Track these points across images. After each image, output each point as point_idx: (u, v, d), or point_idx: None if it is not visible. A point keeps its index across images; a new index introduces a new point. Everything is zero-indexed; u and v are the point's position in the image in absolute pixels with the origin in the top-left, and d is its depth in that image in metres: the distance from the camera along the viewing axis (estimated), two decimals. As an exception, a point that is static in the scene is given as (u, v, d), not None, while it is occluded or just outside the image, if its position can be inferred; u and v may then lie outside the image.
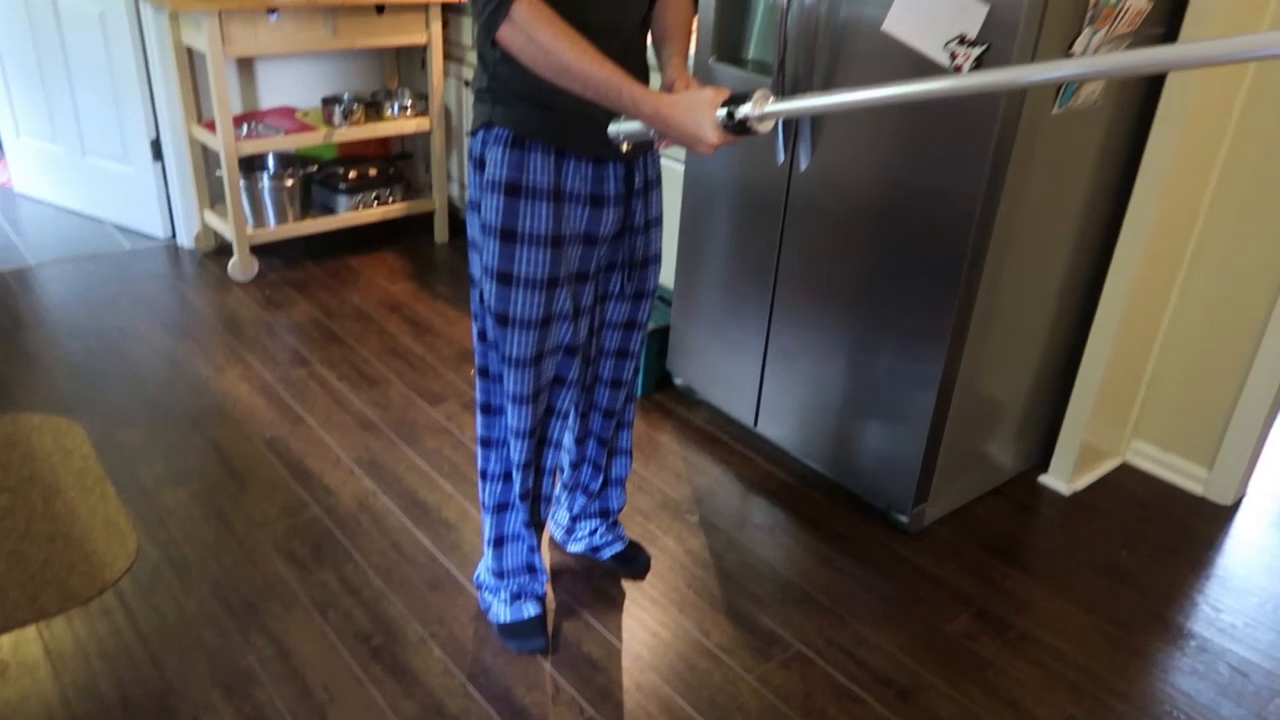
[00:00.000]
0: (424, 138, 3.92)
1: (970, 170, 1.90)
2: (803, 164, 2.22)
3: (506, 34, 1.37)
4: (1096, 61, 1.09)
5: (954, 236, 1.97)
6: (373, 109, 3.64)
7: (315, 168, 3.73)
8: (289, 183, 3.50)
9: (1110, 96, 2.06)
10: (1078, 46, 1.89)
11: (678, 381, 2.89)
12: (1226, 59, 0.95)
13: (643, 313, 1.85)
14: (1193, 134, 2.16)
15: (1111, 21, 1.91)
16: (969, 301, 2.03)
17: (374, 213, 3.70)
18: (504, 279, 1.59)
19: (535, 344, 1.65)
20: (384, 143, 4.04)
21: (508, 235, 1.56)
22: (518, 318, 1.62)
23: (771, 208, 2.34)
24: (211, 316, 3.18)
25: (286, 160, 3.67)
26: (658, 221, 1.78)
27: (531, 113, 1.50)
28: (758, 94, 1.35)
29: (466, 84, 3.69)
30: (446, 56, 3.70)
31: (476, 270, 1.66)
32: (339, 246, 3.79)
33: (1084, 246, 2.27)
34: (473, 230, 1.65)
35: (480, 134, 1.57)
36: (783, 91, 2.18)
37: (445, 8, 3.58)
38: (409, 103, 3.66)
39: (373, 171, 3.75)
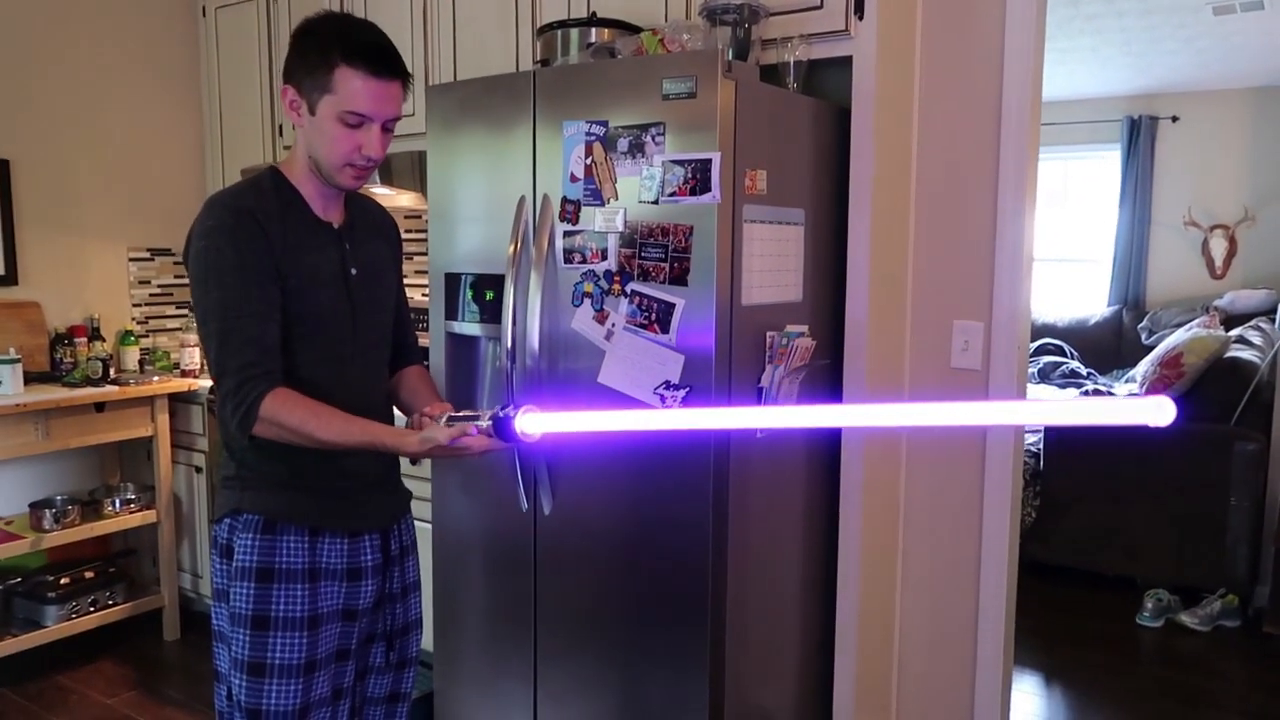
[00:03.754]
0: (151, 530, 3.69)
1: (696, 496, 2.10)
2: (545, 508, 2.34)
3: (261, 431, 1.44)
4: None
5: (694, 560, 2.11)
6: (91, 508, 3.43)
7: (18, 580, 3.38)
8: (-14, 600, 3.14)
9: (800, 418, 2.38)
10: (764, 380, 2.21)
11: (450, 751, 2.73)
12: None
13: (406, 683, 1.80)
14: (875, 456, 2.51)
15: (787, 358, 2.27)
16: (720, 619, 2.15)
17: (90, 619, 3.36)
18: (256, 670, 1.51)
19: (292, 737, 1.55)
20: (103, 541, 3.76)
21: (259, 622, 1.51)
22: (272, 710, 1.52)
23: (522, 555, 2.41)
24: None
25: (-16, 575, 3.32)
26: (416, 586, 1.79)
27: (283, 496, 1.53)
28: (525, 407, 1.36)
29: (198, 470, 3.59)
30: (175, 444, 3.62)
31: (224, 665, 1.57)
32: (47, 665, 3.36)
33: (813, 553, 2.50)
34: (219, 621, 1.58)
35: (227, 521, 1.56)
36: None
37: (173, 397, 3.56)
38: (133, 497, 3.49)
39: (89, 574, 3.46)
